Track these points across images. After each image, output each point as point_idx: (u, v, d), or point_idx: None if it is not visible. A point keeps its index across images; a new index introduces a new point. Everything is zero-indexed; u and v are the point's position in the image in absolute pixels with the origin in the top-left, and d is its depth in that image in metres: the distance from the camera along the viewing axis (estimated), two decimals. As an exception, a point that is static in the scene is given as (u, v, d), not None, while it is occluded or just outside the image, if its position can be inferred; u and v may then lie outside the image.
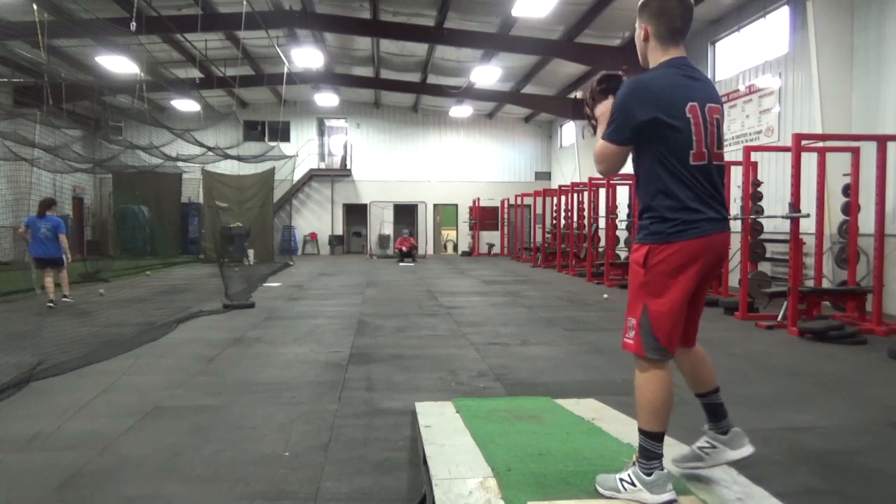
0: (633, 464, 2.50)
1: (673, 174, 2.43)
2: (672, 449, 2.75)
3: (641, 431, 2.47)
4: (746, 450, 2.59)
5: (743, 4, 12.67)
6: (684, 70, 2.56)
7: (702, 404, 2.68)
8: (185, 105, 21.48)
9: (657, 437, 2.45)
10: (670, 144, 2.43)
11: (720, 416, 2.64)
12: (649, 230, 2.47)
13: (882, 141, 7.72)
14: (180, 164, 19.20)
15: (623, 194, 15.75)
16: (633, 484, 2.44)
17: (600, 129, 2.61)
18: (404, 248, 22.04)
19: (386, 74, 21.64)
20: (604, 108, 2.63)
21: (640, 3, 2.60)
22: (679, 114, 2.43)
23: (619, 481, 2.48)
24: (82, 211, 22.51)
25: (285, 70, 17.93)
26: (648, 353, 2.43)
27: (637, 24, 2.62)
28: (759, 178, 10.24)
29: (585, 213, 16.48)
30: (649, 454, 2.44)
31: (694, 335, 2.66)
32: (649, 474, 2.43)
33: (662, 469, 2.45)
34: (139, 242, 20.65)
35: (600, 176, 2.76)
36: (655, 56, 2.58)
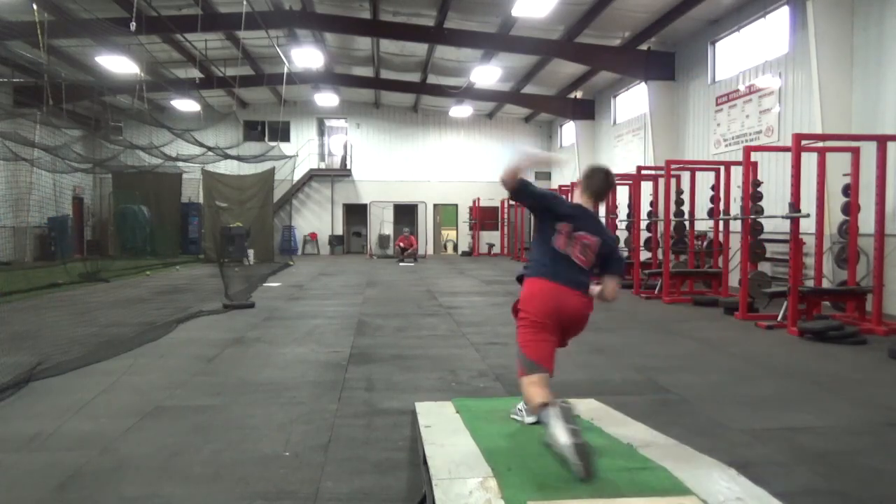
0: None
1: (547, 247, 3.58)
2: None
3: (536, 411, 3.11)
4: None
5: (743, 4, 12.66)
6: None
7: None
8: (185, 105, 21.48)
9: (545, 405, 2.99)
10: (548, 227, 3.59)
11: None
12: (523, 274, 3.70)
13: (882, 141, 7.72)
14: (180, 164, 19.20)
15: (622, 194, 15.75)
16: (521, 411, 3.61)
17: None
18: (402, 245, 22.10)
19: (386, 74, 21.64)
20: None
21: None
22: (566, 216, 3.58)
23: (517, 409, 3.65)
24: (82, 211, 22.52)
25: (285, 70, 17.93)
26: (524, 371, 3.50)
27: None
28: (759, 178, 10.24)
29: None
30: (543, 405, 3.03)
31: None
32: (537, 412, 3.09)
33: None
34: (139, 242, 20.65)
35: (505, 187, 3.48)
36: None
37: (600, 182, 3.62)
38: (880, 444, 3.78)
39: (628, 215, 13.90)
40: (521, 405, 3.61)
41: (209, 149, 17.32)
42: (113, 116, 19.93)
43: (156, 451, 3.58)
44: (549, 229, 3.41)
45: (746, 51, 12.90)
